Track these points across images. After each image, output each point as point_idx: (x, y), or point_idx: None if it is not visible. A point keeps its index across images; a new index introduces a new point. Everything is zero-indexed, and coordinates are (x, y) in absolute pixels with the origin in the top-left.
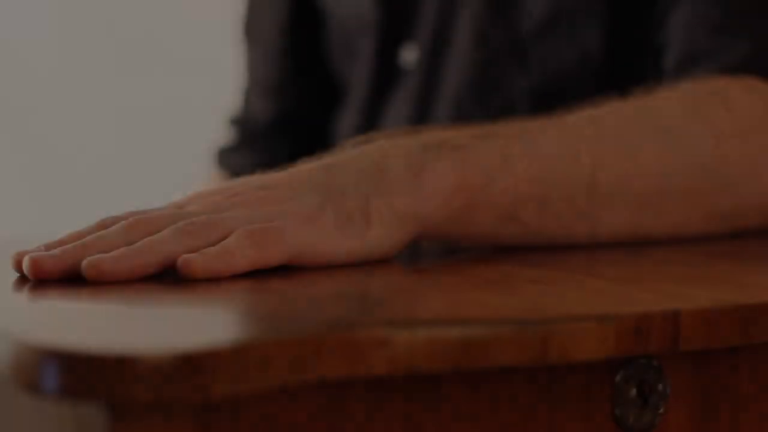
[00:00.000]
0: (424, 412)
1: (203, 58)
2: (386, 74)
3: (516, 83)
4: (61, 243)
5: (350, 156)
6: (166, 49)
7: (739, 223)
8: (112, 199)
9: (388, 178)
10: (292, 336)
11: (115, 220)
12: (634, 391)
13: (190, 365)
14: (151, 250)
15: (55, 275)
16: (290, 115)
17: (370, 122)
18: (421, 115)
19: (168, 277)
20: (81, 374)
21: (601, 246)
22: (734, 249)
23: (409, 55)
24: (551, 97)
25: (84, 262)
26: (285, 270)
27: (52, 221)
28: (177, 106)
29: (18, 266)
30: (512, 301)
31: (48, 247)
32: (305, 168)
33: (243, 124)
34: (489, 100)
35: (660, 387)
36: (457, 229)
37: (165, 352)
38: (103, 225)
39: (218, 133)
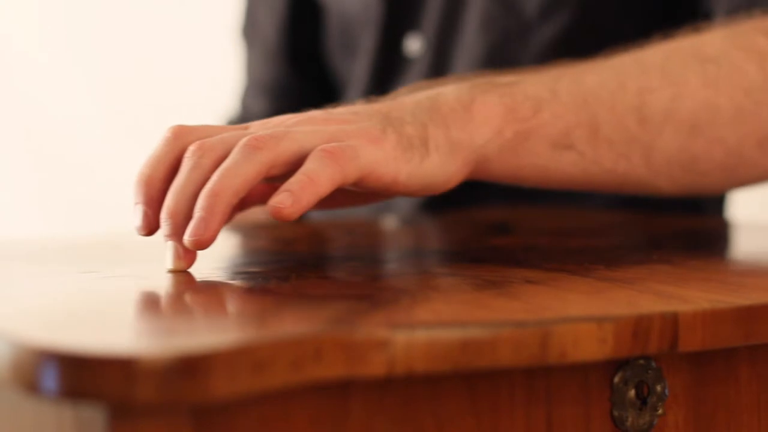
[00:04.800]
0: (423, 414)
1: (203, 59)
2: (389, 65)
3: (524, 65)
4: (148, 185)
5: (404, 96)
6: (165, 49)
7: None
8: (112, 199)
9: (443, 110)
10: (292, 337)
11: (177, 142)
12: (632, 393)
13: (190, 366)
14: (228, 176)
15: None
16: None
17: None
18: None
19: (168, 277)
20: (80, 375)
21: (601, 247)
22: (733, 250)
23: (414, 45)
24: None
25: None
26: (285, 270)
27: (52, 221)
28: (177, 107)
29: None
30: (511, 302)
31: (146, 199)
32: (362, 105)
33: (240, 123)
34: None
35: (658, 388)
36: (513, 159)
37: (165, 353)
38: (173, 152)
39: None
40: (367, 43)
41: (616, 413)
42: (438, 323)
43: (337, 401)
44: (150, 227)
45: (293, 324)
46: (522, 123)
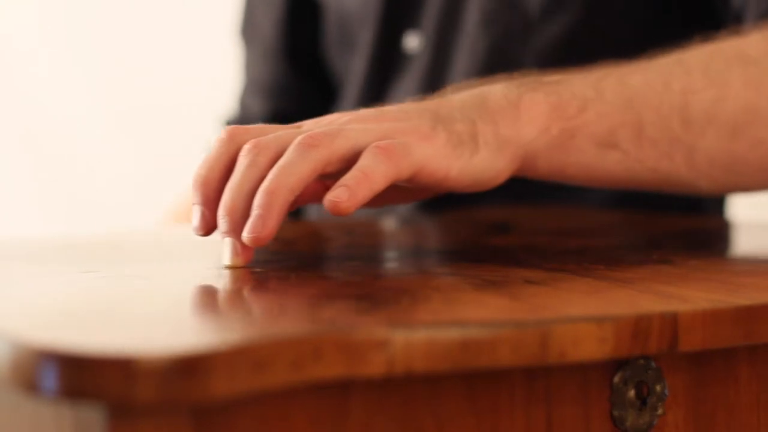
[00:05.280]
0: (423, 413)
1: (202, 59)
2: (388, 62)
3: (526, 63)
4: (204, 186)
5: (452, 95)
6: (165, 49)
7: None
8: (112, 199)
9: (491, 107)
10: (292, 337)
11: (232, 144)
12: (632, 392)
13: (190, 366)
14: (284, 174)
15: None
16: (285, 114)
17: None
18: None
19: (168, 277)
20: (80, 375)
21: (601, 247)
22: (733, 250)
23: (413, 42)
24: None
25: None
26: (285, 270)
27: (52, 221)
28: (176, 107)
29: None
30: (511, 302)
31: (203, 199)
32: (412, 103)
33: (237, 123)
34: None
35: (658, 388)
36: (559, 156)
37: (164, 353)
38: (228, 152)
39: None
40: (365, 40)
41: (615, 413)
42: (438, 323)
43: (336, 401)
44: (207, 227)
45: (293, 324)
46: (568, 121)
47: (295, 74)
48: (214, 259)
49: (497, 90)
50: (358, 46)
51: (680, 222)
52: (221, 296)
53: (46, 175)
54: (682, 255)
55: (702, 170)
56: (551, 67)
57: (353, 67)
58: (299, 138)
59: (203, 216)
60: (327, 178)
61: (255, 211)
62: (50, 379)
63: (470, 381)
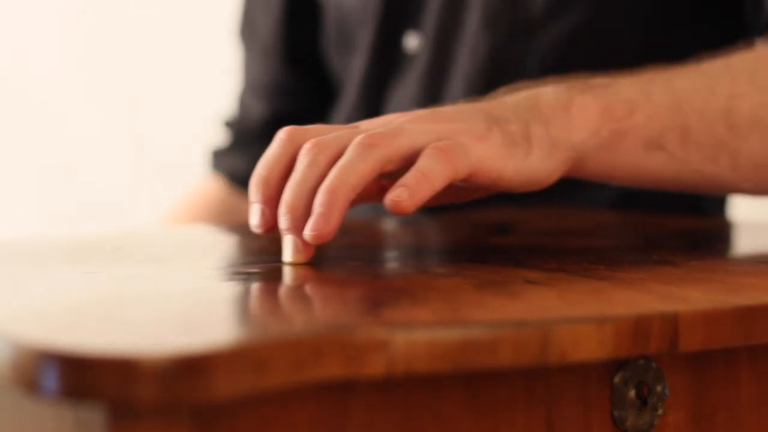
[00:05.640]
0: (423, 414)
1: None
2: (388, 63)
3: (528, 64)
4: (265, 185)
5: (504, 96)
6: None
7: None
8: (112, 199)
9: (543, 109)
10: (292, 337)
11: (291, 145)
12: (632, 393)
13: (190, 366)
14: (346, 173)
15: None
16: (284, 115)
17: (371, 108)
18: (431, 99)
19: (168, 277)
20: (81, 375)
21: (601, 247)
22: (734, 250)
23: (413, 42)
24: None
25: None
26: (284, 270)
27: (52, 222)
28: (176, 107)
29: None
30: (511, 302)
31: (263, 198)
32: (466, 104)
33: (237, 125)
34: (501, 83)
35: (659, 388)
36: (608, 157)
37: (165, 354)
38: (288, 153)
39: (215, 136)
40: (365, 40)
41: (616, 413)
42: (438, 323)
43: (337, 401)
44: (267, 225)
45: (293, 324)
46: (617, 123)
47: (294, 75)
48: (215, 259)
49: (548, 92)
50: (357, 46)
51: (680, 222)
52: (221, 297)
53: (46, 176)
54: (683, 255)
55: (746, 173)
56: (554, 68)
57: (353, 67)
58: (359, 138)
59: (263, 214)
60: (384, 178)
61: (317, 209)
62: (51, 380)
63: (470, 381)
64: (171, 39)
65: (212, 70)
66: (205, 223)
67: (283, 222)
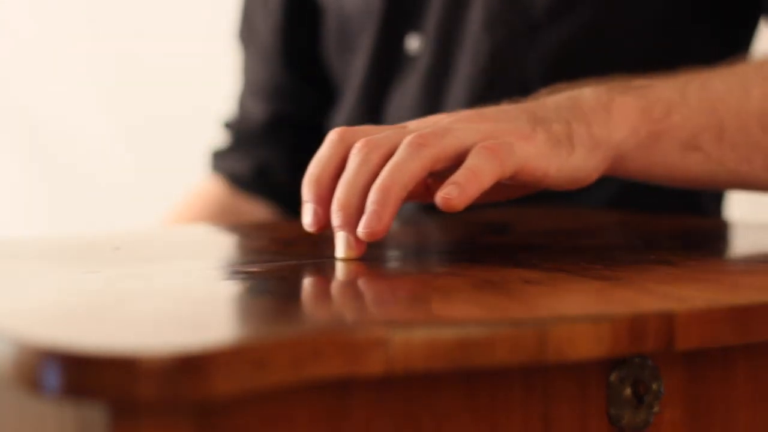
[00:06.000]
0: (421, 412)
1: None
2: (389, 64)
3: (530, 65)
4: (317, 185)
5: (545, 97)
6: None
7: None
8: (112, 199)
9: (584, 109)
10: (291, 336)
11: (342, 144)
12: (628, 391)
13: (190, 365)
14: (398, 171)
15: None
16: (284, 116)
17: (372, 110)
18: (432, 100)
19: (168, 277)
20: (82, 374)
21: (599, 246)
22: (731, 250)
23: (414, 44)
24: (566, 79)
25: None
26: (285, 270)
27: (53, 221)
28: (176, 108)
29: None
30: (508, 301)
31: (316, 197)
32: (509, 104)
33: (237, 126)
34: (503, 83)
35: (655, 387)
36: (646, 157)
37: (165, 352)
38: (339, 153)
39: (215, 137)
40: (366, 42)
41: (612, 411)
42: (436, 322)
43: (336, 400)
44: (320, 223)
45: (293, 323)
46: (655, 124)
47: (293, 76)
48: (215, 259)
49: (589, 93)
50: (358, 47)
51: (678, 222)
52: (221, 296)
53: (47, 176)
54: (680, 255)
55: None
56: (555, 69)
57: (353, 68)
58: (410, 137)
59: (315, 213)
60: (430, 177)
61: (370, 207)
62: (53, 378)
63: (468, 380)
64: (172, 39)
65: (213, 71)
66: (205, 223)
67: (336, 219)
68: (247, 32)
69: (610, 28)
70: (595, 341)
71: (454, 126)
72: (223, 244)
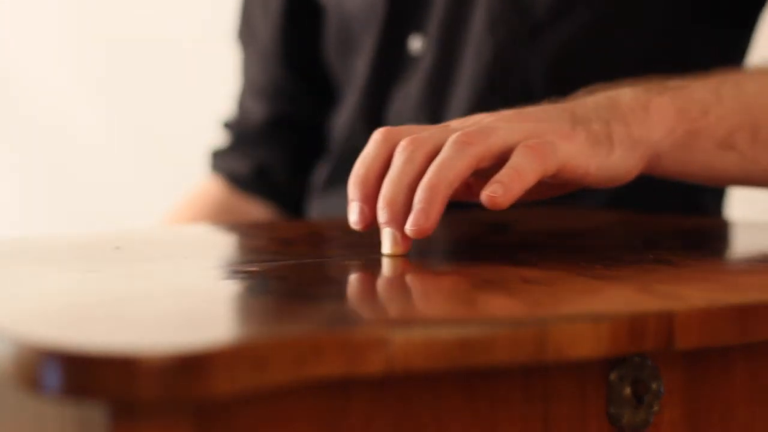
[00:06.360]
0: (421, 411)
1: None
2: (391, 64)
3: (532, 65)
4: (363, 184)
5: (584, 97)
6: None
7: None
8: (112, 199)
9: (622, 109)
10: (292, 335)
11: (387, 142)
12: (628, 390)
13: (190, 365)
14: (444, 169)
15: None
16: (283, 116)
17: (374, 110)
18: (435, 101)
19: (168, 277)
20: (82, 374)
21: (598, 246)
22: (730, 249)
23: (417, 45)
24: (568, 79)
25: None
26: (284, 270)
27: (53, 221)
28: (176, 108)
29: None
30: (508, 301)
31: (362, 196)
32: (549, 104)
33: (236, 126)
34: (505, 84)
35: (654, 386)
36: (683, 156)
37: (166, 352)
38: (384, 152)
39: (215, 137)
40: (368, 42)
41: (612, 411)
42: (436, 322)
43: (336, 399)
44: (366, 221)
45: (293, 323)
46: (691, 123)
47: (293, 77)
48: (214, 258)
49: (627, 93)
50: (360, 48)
51: (678, 222)
52: (221, 295)
53: (47, 176)
54: (680, 254)
55: None
56: (558, 70)
57: (355, 69)
58: (455, 135)
59: (362, 212)
60: (473, 176)
61: (417, 205)
62: (53, 378)
63: (468, 379)
64: (171, 39)
65: (212, 71)
66: (204, 223)
67: (382, 216)
68: (247, 32)
69: (611, 29)
70: (594, 341)
71: (497, 125)
72: (222, 244)
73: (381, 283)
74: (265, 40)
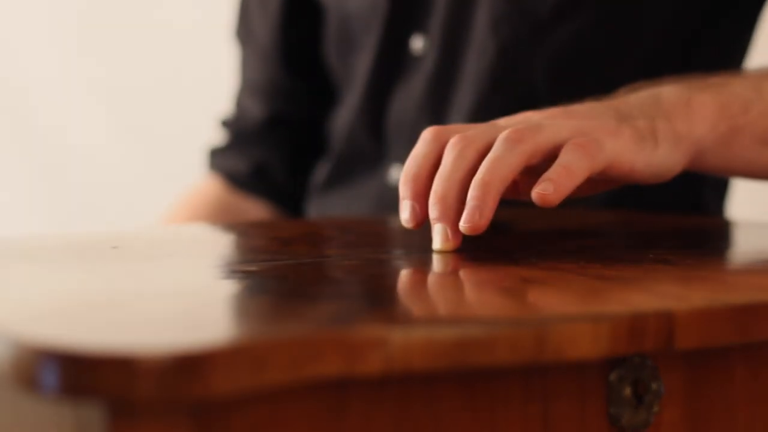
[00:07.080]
0: (420, 411)
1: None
2: (393, 64)
3: (535, 65)
4: (414, 182)
5: (626, 95)
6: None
7: None
8: (111, 199)
9: (665, 106)
10: (290, 335)
11: (438, 141)
12: (628, 391)
13: (189, 365)
14: (497, 166)
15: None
16: (282, 115)
17: (375, 110)
18: (437, 101)
19: (166, 276)
20: (80, 374)
21: (598, 246)
22: (730, 249)
23: (419, 44)
24: (571, 78)
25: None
26: (284, 270)
27: (53, 221)
28: (175, 108)
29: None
30: (507, 300)
31: (413, 194)
32: (593, 102)
33: (235, 124)
34: (508, 85)
35: (654, 386)
36: (725, 152)
37: (164, 352)
38: (434, 151)
39: (213, 136)
40: (370, 42)
41: (611, 411)
42: (435, 322)
43: (335, 399)
44: (417, 219)
45: (292, 323)
46: (733, 119)
47: (291, 76)
48: (213, 258)
49: (669, 90)
50: (361, 47)
51: (678, 221)
52: (220, 295)
53: (47, 176)
54: (680, 254)
55: None
56: (561, 70)
57: (356, 69)
58: (506, 132)
59: (413, 209)
60: (520, 174)
61: (471, 202)
62: (51, 378)
63: (467, 379)
64: (170, 38)
65: (211, 70)
66: (202, 222)
67: (433, 212)
68: (245, 31)
69: (613, 29)
70: (593, 341)
71: (545, 123)
72: (221, 243)
73: (380, 283)
74: (264, 39)
